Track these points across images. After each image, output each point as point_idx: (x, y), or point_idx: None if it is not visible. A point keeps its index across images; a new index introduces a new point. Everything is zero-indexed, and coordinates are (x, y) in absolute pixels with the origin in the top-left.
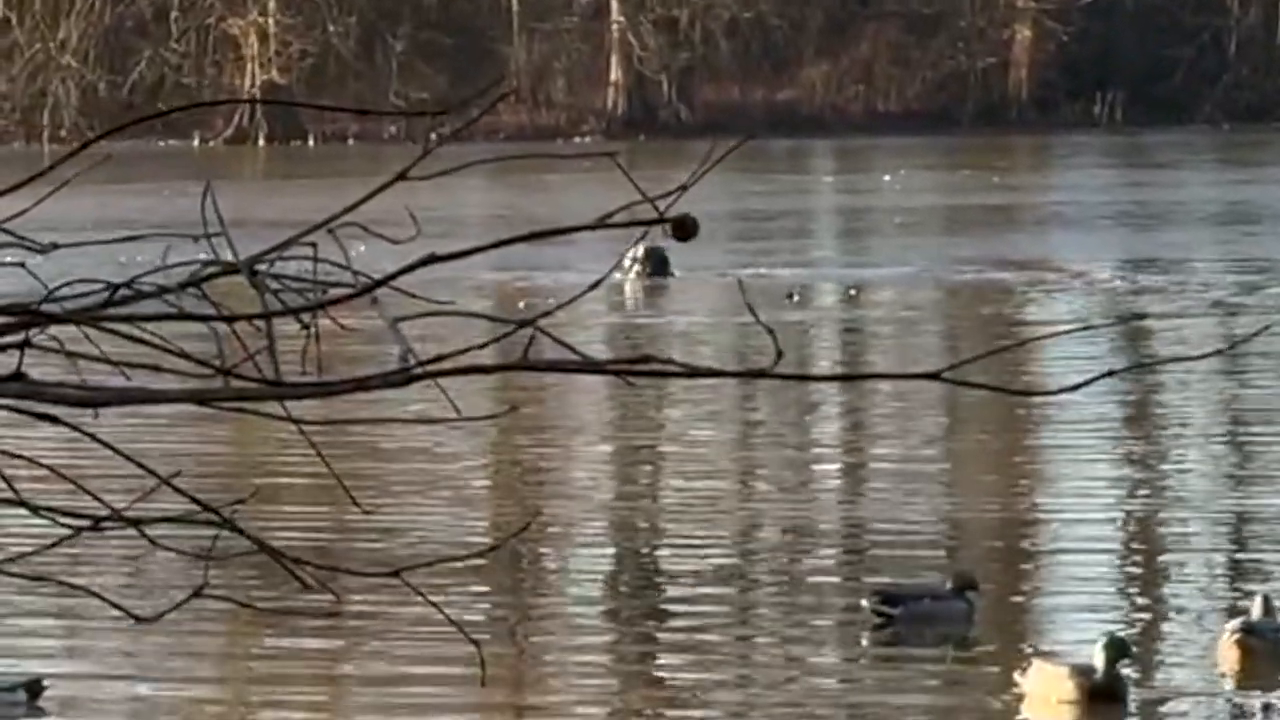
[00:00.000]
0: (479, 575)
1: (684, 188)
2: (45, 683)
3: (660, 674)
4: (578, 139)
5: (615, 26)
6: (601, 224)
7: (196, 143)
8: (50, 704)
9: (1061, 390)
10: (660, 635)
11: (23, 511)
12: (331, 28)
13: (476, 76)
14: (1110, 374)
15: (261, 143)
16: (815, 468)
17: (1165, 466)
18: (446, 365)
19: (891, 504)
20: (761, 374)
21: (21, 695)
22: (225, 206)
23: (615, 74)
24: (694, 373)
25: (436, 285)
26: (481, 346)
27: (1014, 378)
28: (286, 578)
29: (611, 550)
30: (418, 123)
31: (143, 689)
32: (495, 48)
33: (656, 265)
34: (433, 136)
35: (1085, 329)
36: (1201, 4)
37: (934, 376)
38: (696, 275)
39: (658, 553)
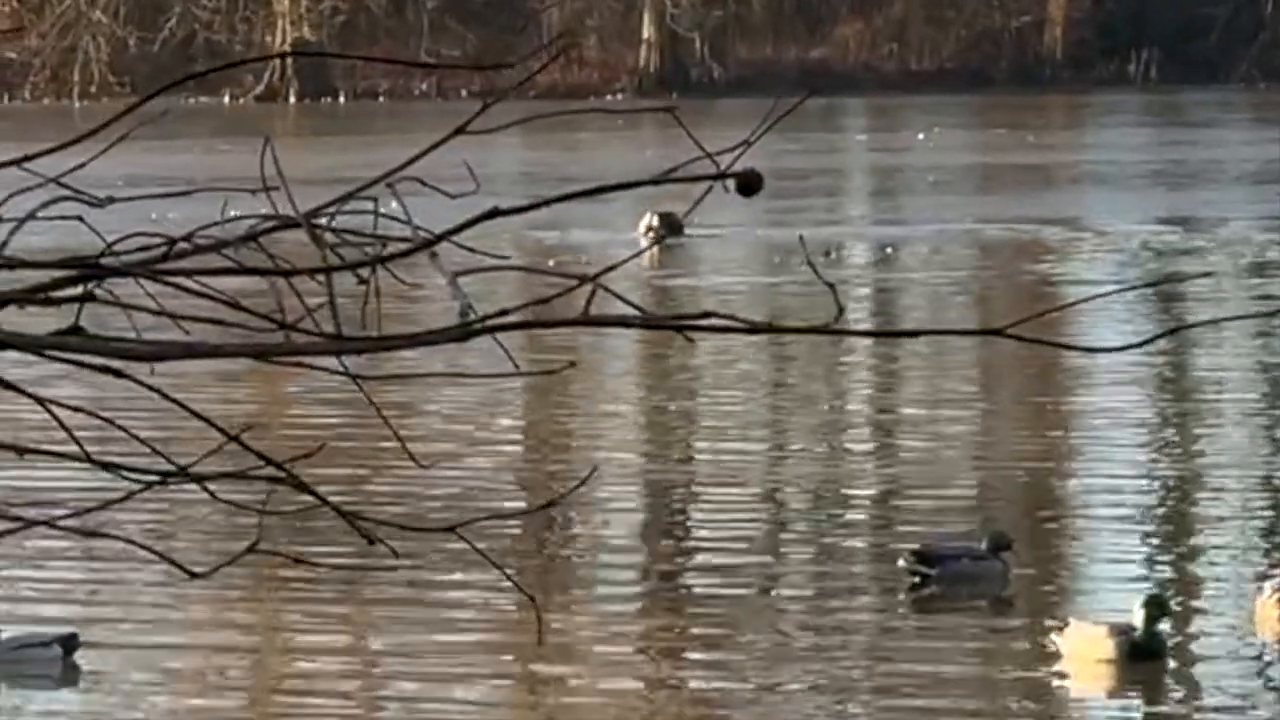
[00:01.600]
0: (533, 532)
1: (748, 143)
2: (80, 638)
3: (695, 633)
4: (610, 97)
5: None
6: (666, 178)
7: (227, 100)
8: (86, 659)
9: (1126, 347)
10: (696, 594)
11: (67, 466)
12: None
13: (509, 34)
14: (1174, 331)
15: (292, 100)
16: (849, 427)
17: (1201, 427)
18: (507, 319)
19: (925, 463)
20: (824, 330)
21: (57, 650)
22: (258, 163)
23: (647, 31)
24: (755, 328)
25: (471, 241)
26: (543, 301)
27: (1057, 335)
28: (333, 535)
29: (645, 508)
30: (449, 80)
31: (180, 642)
32: (526, 5)
33: (672, 227)
34: (467, 100)
35: (1147, 286)
36: None
37: (998, 332)
38: (720, 234)
39: (693, 512)
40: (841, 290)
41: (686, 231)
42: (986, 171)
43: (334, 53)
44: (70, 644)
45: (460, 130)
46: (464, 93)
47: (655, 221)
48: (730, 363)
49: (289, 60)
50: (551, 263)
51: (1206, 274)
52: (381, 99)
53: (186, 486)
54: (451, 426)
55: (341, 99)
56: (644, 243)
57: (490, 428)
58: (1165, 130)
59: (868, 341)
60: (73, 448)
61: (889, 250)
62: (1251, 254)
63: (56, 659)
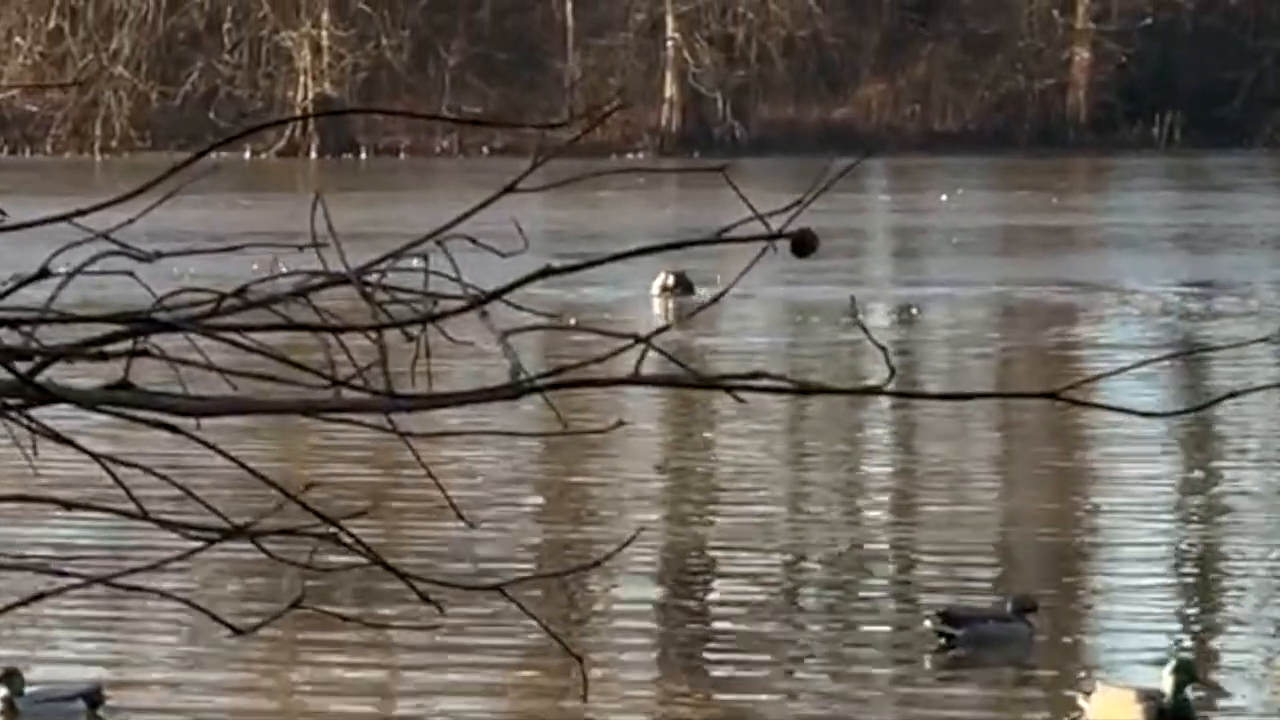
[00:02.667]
0: (563, 590)
1: (801, 203)
2: (105, 691)
3: (719, 694)
4: (631, 155)
5: (670, 43)
6: (720, 238)
7: (248, 155)
8: (112, 714)
9: (1182, 411)
10: (719, 653)
11: (88, 520)
12: (385, 41)
13: (530, 92)
14: (1233, 395)
15: (313, 155)
16: (876, 488)
17: (1224, 490)
18: (556, 379)
19: (950, 526)
20: (875, 391)
21: (81, 705)
22: (281, 219)
23: (670, 90)
24: (806, 389)
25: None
26: (596, 361)
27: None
28: (370, 591)
29: (674, 567)
30: (470, 137)
31: (207, 697)
32: (549, 63)
33: (685, 286)
34: (488, 158)
35: (1203, 352)
36: (1262, 26)
37: (1054, 395)
38: (740, 293)
39: (727, 571)
40: (862, 351)
41: (705, 291)
42: (1010, 233)
43: (370, 108)
44: (95, 698)
45: (510, 188)
46: (485, 150)
47: (670, 280)
48: (759, 424)
49: (311, 119)
50: (573, 320)
51: (1264, 339)
52: (403, 155)
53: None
54: (491, 485)
55: (363, 155)
56: (657, 301)
57: (529, 487)
58: (1189, 194)
59: (895, 403)
60: (125, 504)
61: (913, 311)
62: (1276, 317)
63: (80, 713)
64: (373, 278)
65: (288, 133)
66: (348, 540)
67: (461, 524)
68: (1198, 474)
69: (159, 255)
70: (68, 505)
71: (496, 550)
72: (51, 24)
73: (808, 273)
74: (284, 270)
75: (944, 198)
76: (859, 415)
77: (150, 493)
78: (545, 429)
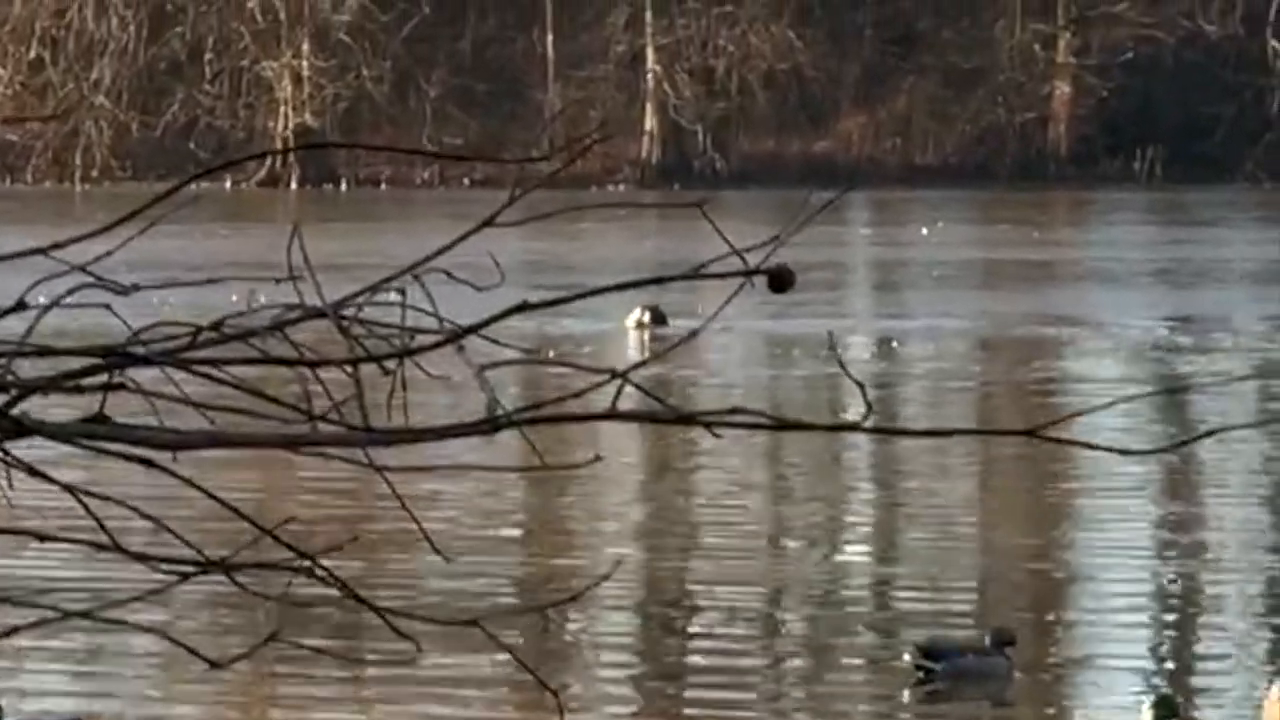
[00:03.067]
0: (539, 625)
1: (779, 240)
2: None
3: None
4: (611, 187)
5: (651, 75)
6: (697, 275)
7: (229, 185)
8: None
9: (1159, 450)
10: (697, 687)
11: (59, 552)
12: (365, 72)
13: (511, 123)
14: (1211, 434)
15: (294, 186)
16: (850, 520)
17: (1204, 527)
18: (535, 414)
19: (929, 560)
20: (853, 427)
21: None
22: (261, 249)
23: (650, 122)
24: (783, 425)
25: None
26: (574, 396)
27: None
28: (347, 624)
29: (652, 602)
30: (450, 169)
31: None
32: (530, 94)
33: (658, 319)
34: (468, 190)
35: (1177, 390)
36: (1242, 62)
37: (1030, 433)
38: (719, 327)
39: (696, 604)
40: (842, 385)
41: (682, 324)
42: (990, 267)
43: (351, 143)
44: None
45: (487, 223)
46: (466, 181)
47: (644, 315)
48: (737, 458)
49: (290, 146)
50: (551, 354)
51: (1241, 378)
52: (384, 186)
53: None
54: (468, 519)
55: (344, 186)
56: (632, 335)
57: (505, 521)
58: (1169, 228)
59: (875, 437)
60: (97, 535)
61: (893, 344)
62: (1257, 354)
63: None
64: (349, 312)
65: (268, 163)
66: (322, 574)
67: (441, 557)
68: (1178, 510)
69: (136, 288)
70: (40, 537)
71: (474, 584)
72: (32, 54)
73: (788, 306)
74: (263, 303)
75: (924, 231)
76: (838, 449)
77: (129, 524)
78: (523, 462)
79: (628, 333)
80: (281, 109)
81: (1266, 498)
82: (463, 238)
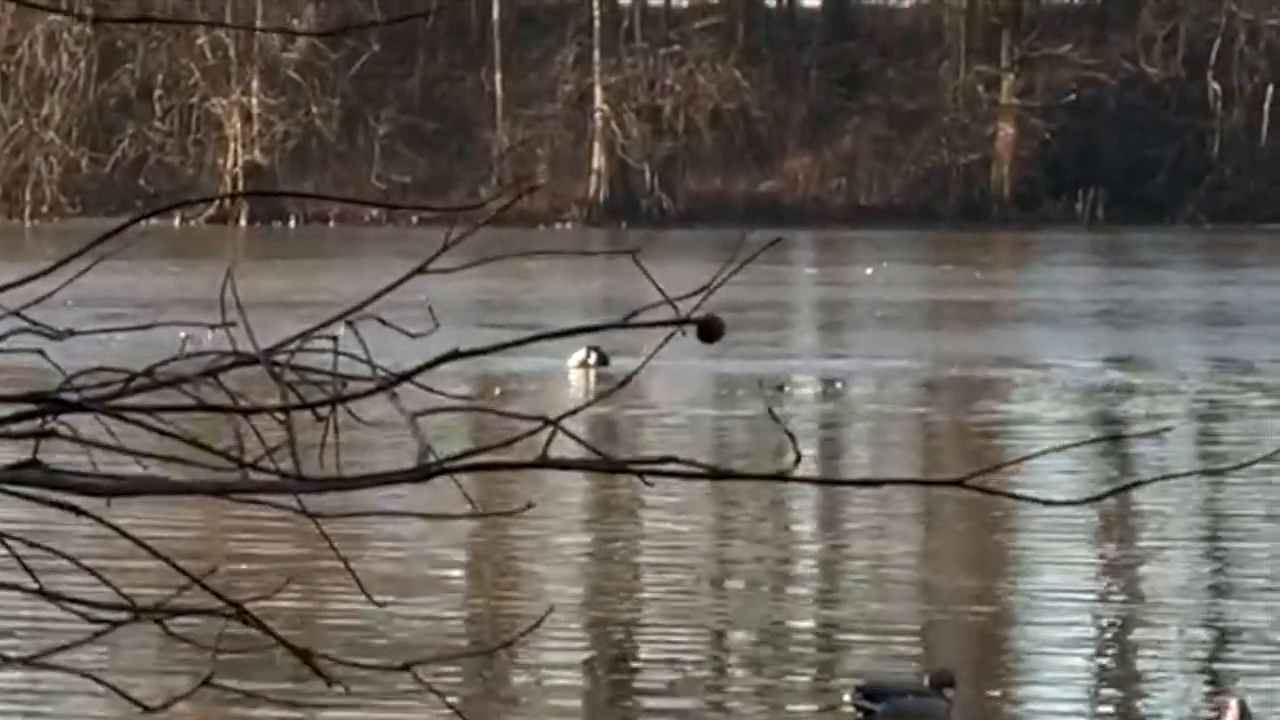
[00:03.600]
0: (480, 669)
1: (709, 289)
2: None
3: None
4: (559, 225)
5: (599, 114)
6: (625, 324)
7: (178, 222)
8: None
9: (1085, 500)
10: None
11: (15, 601)
12: (314, 109)
13: (459, 161)
14: (1138, 484)
15: (243, 223)
16: (792, 564)
17: (1143, 572)
18: (467, 461)
19: (869, 602)
20: (782, 477)
21: None
22: (208, 286)
23: (598, 161)
24: (715, 475)
25: (429, 372)
26: (505, 444)
27: (1008, 484)
28: (285, 669)
29: (594, 646)
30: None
31: None
32: (478, 133)
33: (601, 358)
34: (416, 228)
35: (1109, 440)
36: (1184, 104)
37: (958, 483)
38: (664, 367)
39: (642, 651)
40: (792, 426)
41: (624, 362)
42: (933, 307)
43: (293, 192)
44: None
45: (420, 270)
46: (415, 219)
47: (591, 357)
48: (679, 500)
49: (240, 185)
50: (498, 391)
51: (1164, 430)
52: (332, 224)
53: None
54: (407, 563)
55: (292, 223)
56: (574, 374)
57: (445, 564)
58: (1111, 270)
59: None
60: (25, 580)
61: (837, 385)
62: (1196, 396)
63: None
64: (282, 358)
65: (218, 200)
66: (256, 624)
67: (380, 601)
68: (1117, 554)
69: (71, 333)
70: None
71: (408, 629)
72: None
73: (733, 345)
74: (202, 347)
75: (869, 271)
76: (780, 490)
77: (59, 567)
78: (458, 507)
79: (570, 373)
80: (231, 146)
81: (1205, 541)
82: (395, 284)
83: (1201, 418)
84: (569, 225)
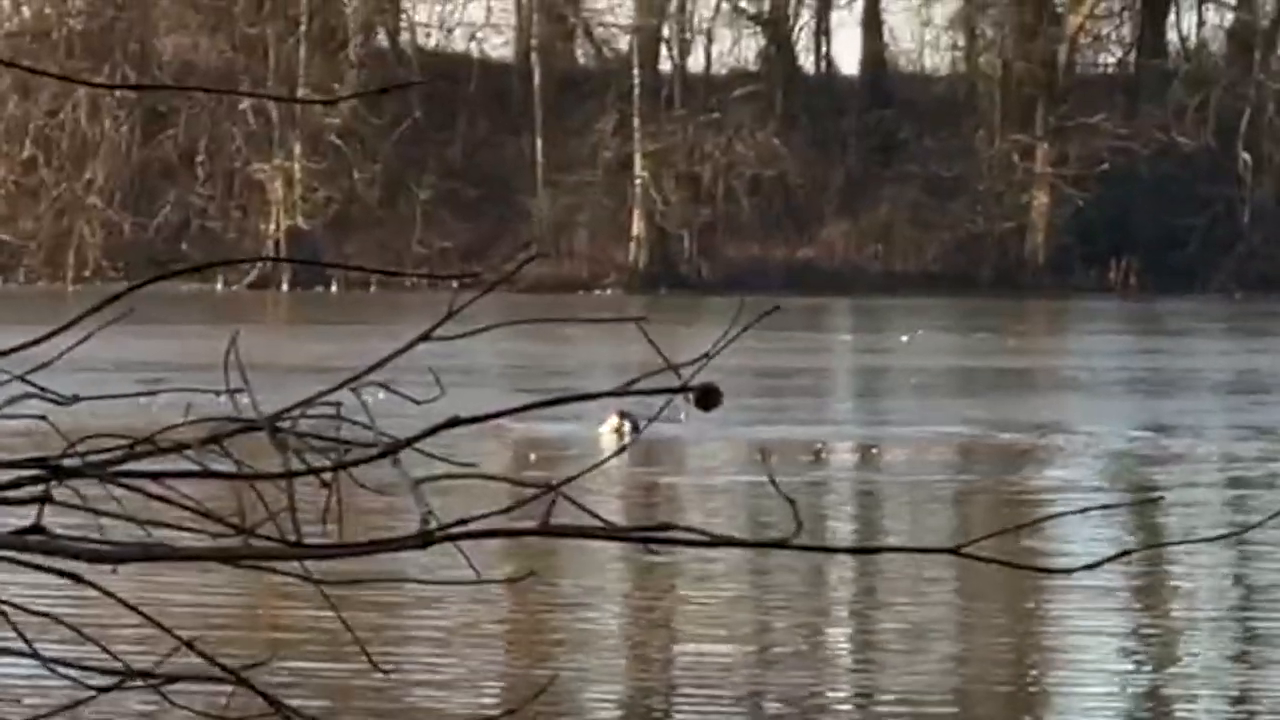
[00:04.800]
0: None
1: (708, 356)
2: None
3: None
4: (599, 292)
5: (638, 181)
6: (624, 391)
7: (220, 286)
8: None
9: (1077, 569)
10: None
11: (20, 669)
12: (357, 175)
13: (499, 227)
14: (1126, 554)
15: (285, 288)
16: (826, 634)
17: (1174, 643)
18: (468, 528)
19: (901, 672)
20: (780, 544)
21: None
22: (248, 352)
23: (637, 228)
24: (714, 542)
25: (456, 437)
26: (505, 511)
27: (1030, 549)
28: None
29: (623, 715)
30: (440, 273)
31: None
32: (519, 199)
33: (634, 426)
34: (456, 292)
35: (1102, 509)
36: (1215, 174)
37: (953, 551)
38: (704, 432)
39: (669, 717)
40: (823, 492)
41: (676, 423)
42: (968, 375)
43: (302, 259)
44: None
45: (425, 336)
46: (455, 284)
47: (625, 425)
48: (707, 564)
49: (283, 250)
50: (533, 457)
51: (1153, 498)
52: (373, 289)
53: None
54: (416, 629)
55: (334, 288)
56: (605, 442)
57: (461, 630)
58: (1143, 338)
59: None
60: (18, 645)
61: (873, 451)
62: (1224, 463)
63: None
64: (286, 424)
65: (260, 264)
66: (251, 690)
67: (386, 668)
68: (1147, 626)
69: (77, 399)
70: None
71: (419, 694)
72: (26, 153)
73: (771, 411)
74: (201, 417)
75: (904, 338)
76: (812, 561)
77: (54, 632)
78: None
79: (601, 440)
80: (273, 211)
81: (1235, 611)
82: (400, 351)
83: (1229, 484)
84: (609, 291)
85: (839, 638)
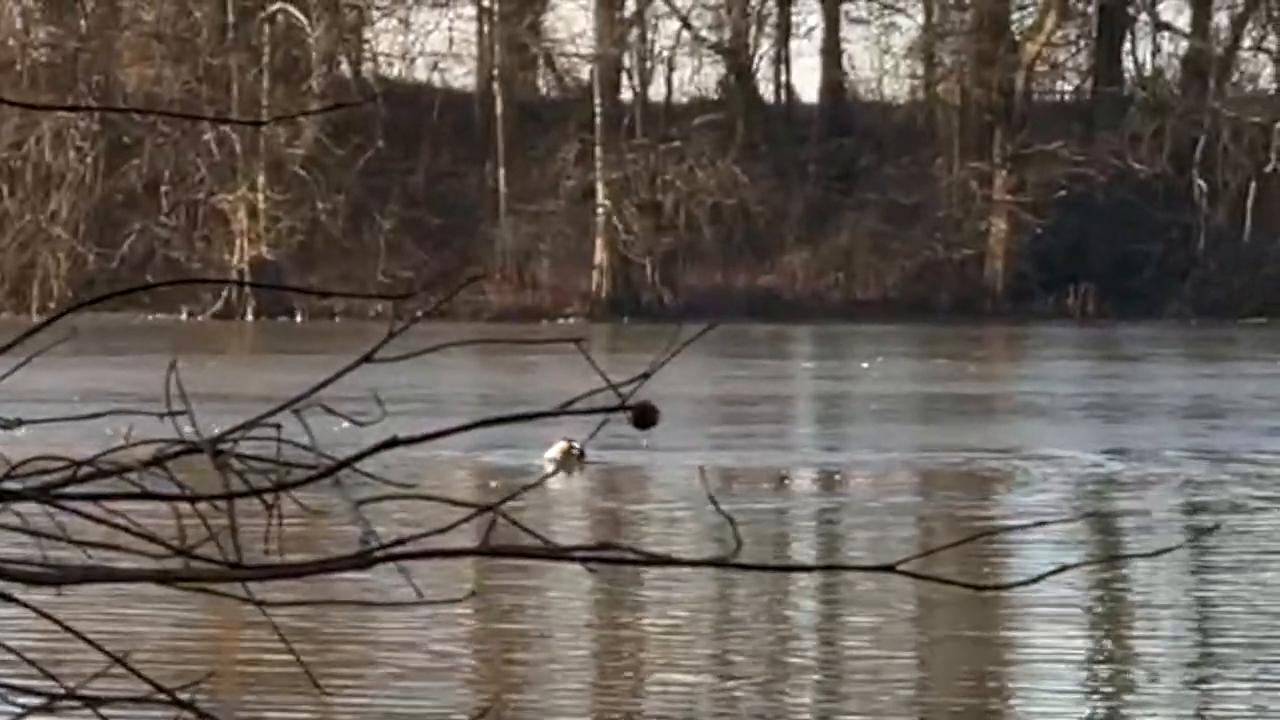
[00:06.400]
0: None
1: (647, 375)
2: None
3: None
4: (561, 320)
5: (600, 210)
6: (562, 411)
7: (184, 316)
8: None
9: (1013, 585)
10: None
11: None
12: (320, 205)
13: (462, 256)
14: (1064, 569)
15: (249, 318)
16: (782, 658)
17: (1130, 660)
18: (409, 549)
19: (857, 695)
20: (722, 563)
21: None
22: (212, 381)
23: (600, 256)
24: (654, 561)
25: (410, 464)
26: (442, 531)
27: (978, 569)
28: None
29: None
30: (404, 301)
31: None
32: (482, 228)
33: (580, 453)
34: (404, 318)
35: (1035, 525)
36: (1170, 201)
37: (889, 569)
38: (664, 458)
39: None
40: (786, 518)
41: (607, 455)
42: (928, 400)
43: (260, 283)
44: None
45: (366, 358)
46: (419, 314)
47: (574, 449)
48: (661, 588)
49: (245, 278)
50: (494, 484)
51: (1095, 513)
52: (338, 319)
53: (80, 711)
54: (371, 650)
55: (299, 318)
56: (549, 468)
57: (412, 651)
58: (1101, 363)
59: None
60: None
61: (836, 477)
62: (1181, 487)
63: None
64: (227, 446)
65: (224, 294)
66: (191, 711)
67: (328, 690)
68: (1105, 644)
69: (19, 423)
70: None
71: (355, 716)
72: None
73: (733, 438)
74: (144, 439)
75: (865, 365)
76: (769, 584)
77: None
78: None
79: (546, 467)
80: (238, 241)
81: (1189, 628)
82: (341, 374)
83: (1185, 507)
84: (571, 320)
85: (793, 660)
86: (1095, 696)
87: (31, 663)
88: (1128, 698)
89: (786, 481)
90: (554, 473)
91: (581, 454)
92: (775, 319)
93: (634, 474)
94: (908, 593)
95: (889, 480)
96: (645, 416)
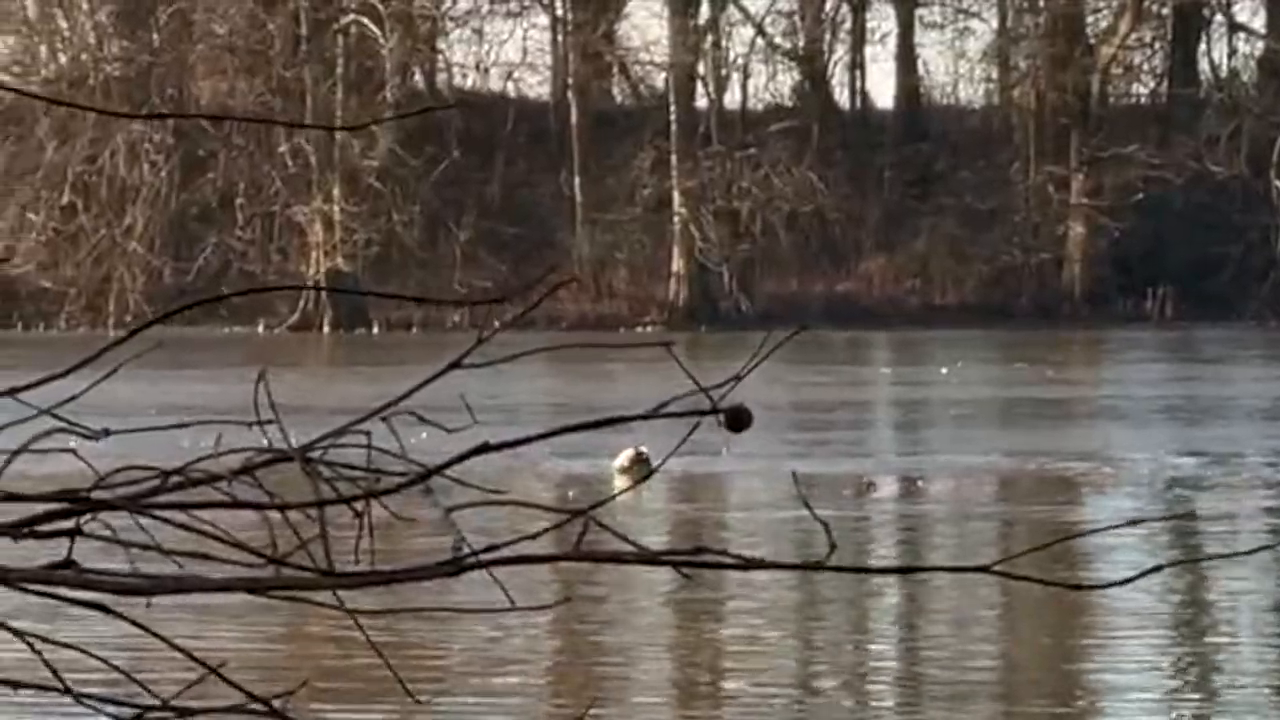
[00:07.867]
0: None
1: (738, 378)
2: None
3: None
4: (639, 329)
5: (677, 218)
6: (654, 414)
7: (261, 329)
8: None
9: (1110, 584)
10: None
11: (62, 702)
12: (396, 216)
13: (539, 266)
14: (1158, 569)
15: (326, 330)
16: (871, 662)
17: (1217, 665)
18: (497, 555)
19: (945, 699)
20: (817, 566)
21: None
22: (290, 393)
23: (676, 264)
24: (748, 565)
25: (497, 472)
26: (534, 537)
27: (1068, 571)
28: None
29: None
30: (480, 311)
31: None
32: (558, 238)
33: (644, 462)
34: (494, 324)
35: (1128, 524)
36: (1248, 203)
37: (985, 569)
38: (748, 464)
39: None
40: (866, 523)
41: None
42: (1007, 406)
43: (334, 287)
44: None
45: (454, 365)
46: (496, 323)
47: (628, 459)
48: (750, 594)
49: (323, 293)
50: (572, 494)
51: (1186, 515)
52: (415, 330)
53: None
54: (450, 660)
55: (375, 330)
56: (619, 476)
57: (503, 660)
58: (1180, 366)
59: (897, 576)
60: (53, 682)
61: (918, 483)
62: (1262, 488)
63: None
64: (316, 454)
65: (301, 306)
66: (284, 715)
67: (423, 699)
68: (1191, 648)
69: (107, 433)
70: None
71: None
72: (65, 200)
73: (814, 445)
74: (232, 449)
75: (944, 370)
76: (857, 590)
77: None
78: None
79: (616, 477)
80: (313, 253)
81: (1277, 633)
82: (427, 382)
83: (1270, 509)
84: (649, 328)
85: (881, 665)
86: (1182, 703)
87: (126, 674)
88: (1216, 703)
89: (872, 487)
90: (646, 478)
91: (649, 461)
92: (853, 325)
93: (707, 481)
94: (993, 598)
95: (970, 485)
96: (739, 419)
